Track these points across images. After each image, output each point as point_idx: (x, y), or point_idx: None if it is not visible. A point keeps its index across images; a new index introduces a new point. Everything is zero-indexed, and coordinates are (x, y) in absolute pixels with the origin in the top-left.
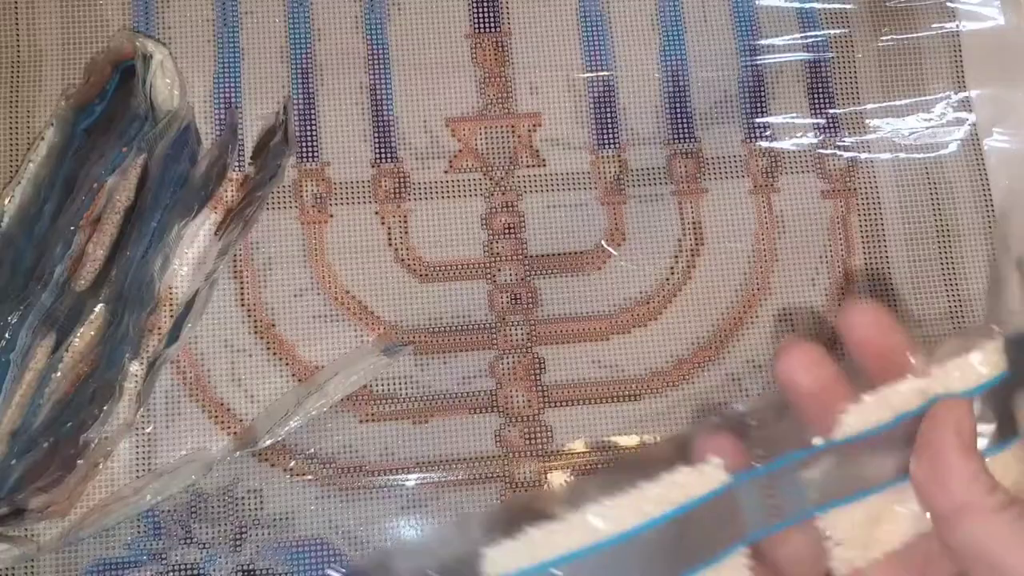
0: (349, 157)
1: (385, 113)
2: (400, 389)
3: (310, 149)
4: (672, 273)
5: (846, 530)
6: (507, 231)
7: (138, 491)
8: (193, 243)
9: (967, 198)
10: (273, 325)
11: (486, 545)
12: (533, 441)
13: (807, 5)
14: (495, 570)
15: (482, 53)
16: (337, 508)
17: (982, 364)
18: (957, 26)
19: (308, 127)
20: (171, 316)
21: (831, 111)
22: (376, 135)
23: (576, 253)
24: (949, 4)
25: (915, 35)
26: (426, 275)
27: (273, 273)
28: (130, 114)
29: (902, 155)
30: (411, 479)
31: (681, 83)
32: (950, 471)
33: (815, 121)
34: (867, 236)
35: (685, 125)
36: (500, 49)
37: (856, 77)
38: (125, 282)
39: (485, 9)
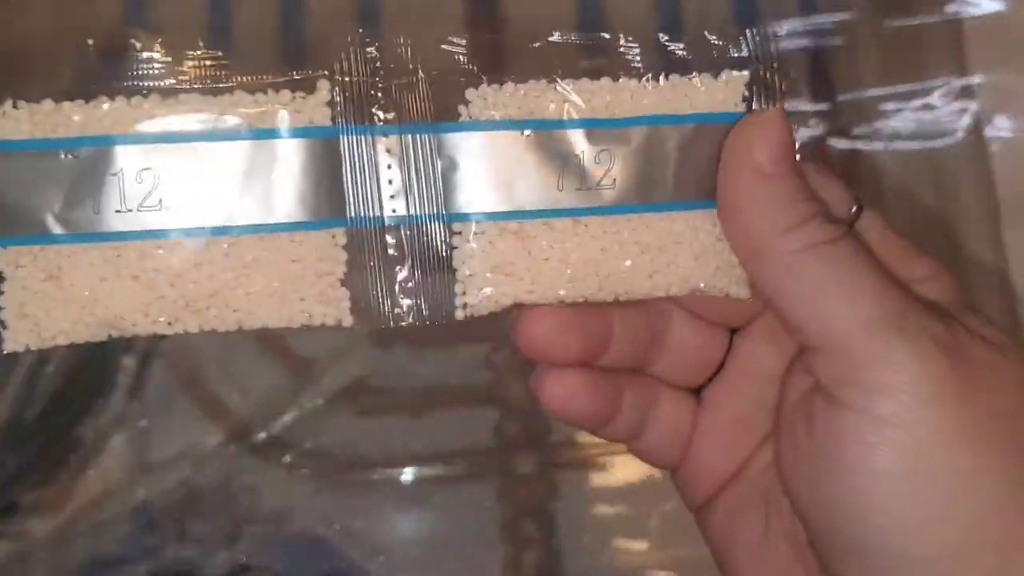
0: None
1: None
2: (397, 382)
3: None
4: None
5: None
6: None
7: (131, 486)
8: None
9: (970, 186)
10: None
11: None
12: (532, 434)
13: None
14: None
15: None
16: (334, 503)
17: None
18: (959, 13)
19: None
20: None
21: (833, 98)
22: None
23: None
24: None
25: (917, 22)
26: None
27: None
28: None
29: (904, 143)
30: (408, 473)
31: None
32: (747, 201)
33: (816, 108)
34: None
35: None
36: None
37: (857, 64)
38: None
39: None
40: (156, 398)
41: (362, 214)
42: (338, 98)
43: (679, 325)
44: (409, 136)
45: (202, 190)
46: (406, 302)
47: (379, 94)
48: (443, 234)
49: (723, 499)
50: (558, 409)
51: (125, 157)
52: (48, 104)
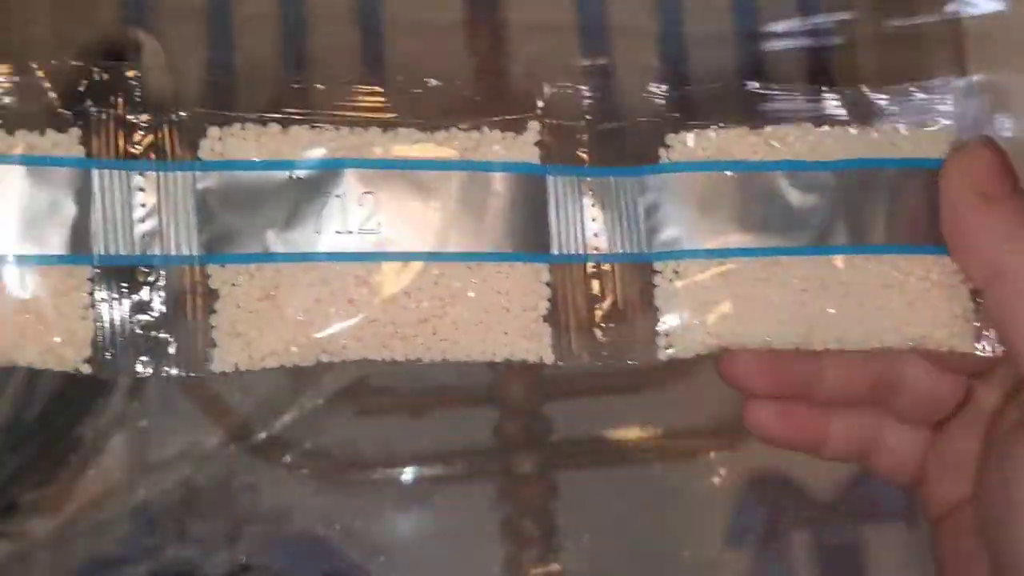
0: None
1: None
2: (397, 382)
3: None
4: None
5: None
6: None
7: (131, 486)
8: None
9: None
10: None
11: None
12: (532, 434)
13: None
14: None
15: (478, 40)
16: (334, 503)
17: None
18: (959, 12)
19: None
20: None
21: (832, 98)
22: None
23: None
24: None
25: (917, 21)
26: None
27: None
28: None
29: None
30: (408, 473)
31: (680, 70)
32: (977, 227)
33: (816, 107)
34: None
35: (684, 112)
36: (496, 36)
37: (857, 63)
38: None
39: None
40: (156, 398)
41: (566, 251)
42: (547, 138)
43: (913, 372)
44: (612, 178)
45: (418, 216)
46: (607, 341)
47: (584, 136)
48: (645, 273)
49: (949, 522)
50: (756, 434)
51: (349, 180)
52: (274, 127)
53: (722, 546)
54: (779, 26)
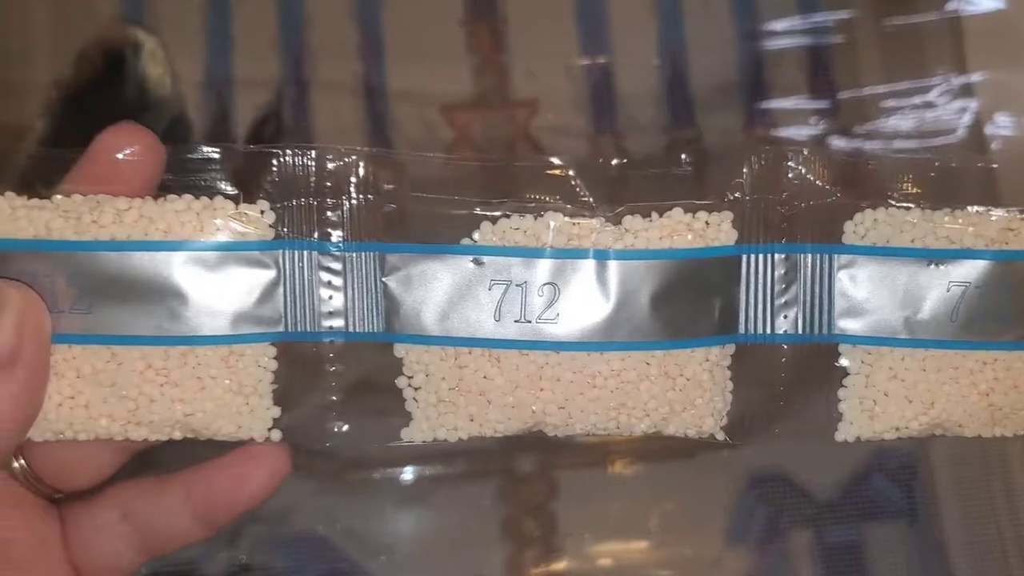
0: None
1: (379, 102)
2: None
3: (303, 139)
4: None
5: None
6: None
7: None
8: None
9: (971, 184)
10: None
11: None
12: (532, 434)
13: None
14: None
15: (478, 40)
16: (334, 503)
17: None
18: (959, 10)
19: (301, 116)
20: None
21: (832, 97)
22: (370, 124)
23: None
24: None
25: (917, 20)
26: None
27: None
28: (121, 103)
29: (904, 141)
30: (408, 473)
31: (680, 69)
32: None
33: (816, 106)
34: None
35: (685, 112)
36: (496, 35)
37: (858, 62)
38: None
39: (482, 7)
40: None
41: (752, 330)
42: (744, 216)
43: None
44: (808, 255)
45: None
46: (783, 417)
47: (782, 209)
48: (831, 352)
49: None
50: None
51: None
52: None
53: (722, 546)
54: (779, 25)
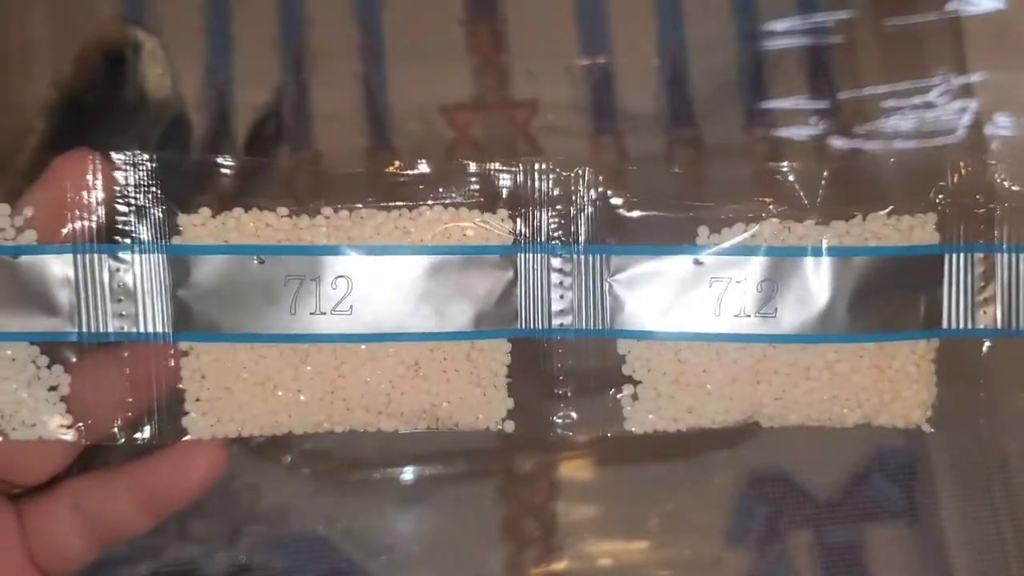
0: (342, 147)
1: (379, 102)
2: None
3: (303, 138)
4: None
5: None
6: None
7: None
8: None
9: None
10: None
11: None
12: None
13: None
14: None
15: (478, 40)
16: (334, 502)
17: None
18: (959, 10)
19: (301, 117)
20: None
21: (832, 97)
22: (370, 124)
23: None
24: None
25: (917, 20)
26: None
27: None
28: (121, 104)
29: (904, 141)
30: (408, 473)
31: (680, 69)
32: None
33: (816, 107)
34: None
35: (685, 112)
36: (496, 36)
37: (858, 62)
38: None
39: (482, 6)
40: None
41: (955, 326)
42: (945, 218)
43: None
44: (1005, 255)
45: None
46: (986, 411)
47: (981, 211)
48: None
49: None
50: None
51: None
52: None
53: (722, 546)
54: (779, 25)
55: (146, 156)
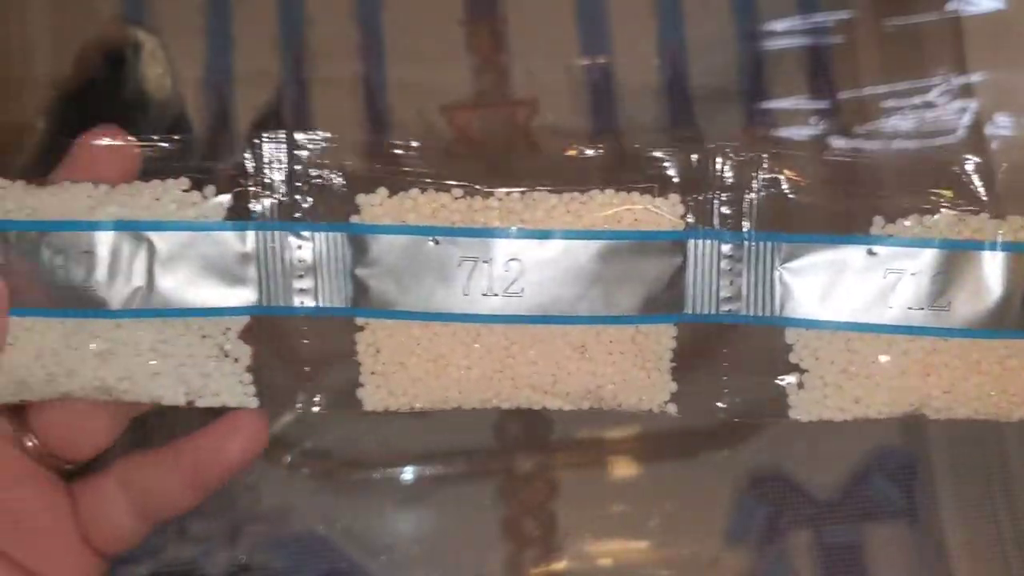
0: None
1: (379, 101)
2: None
3: None
4: None
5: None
6: None
7: None
8: None
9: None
10: None
11: None
12: (532, 434)
13: None
14: None
15: (478, 40)
16: (334, 502)
17: None
18: (959, 11)
19: (301, 116)
20: None
21: (832, 97)
22: (370, 124)
23: None
24: None
25: (917, 20)
26: None
27: None
28: (120, 104)
29: (904, 141)
30: (408, 473)
31: (680, 69)
32: None
33: (816, 107)
34: None
35: (685, 112)
36: (496, 36)
37: (857, 62)
38: None
39: (482, 6)
40: None
41: None
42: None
43: None
44: None
45: None
46: None
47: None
48: None
49: None
50: None
51: None
52: None
53: (722, 546)
54: (779, 25)
55: (326, 135)
